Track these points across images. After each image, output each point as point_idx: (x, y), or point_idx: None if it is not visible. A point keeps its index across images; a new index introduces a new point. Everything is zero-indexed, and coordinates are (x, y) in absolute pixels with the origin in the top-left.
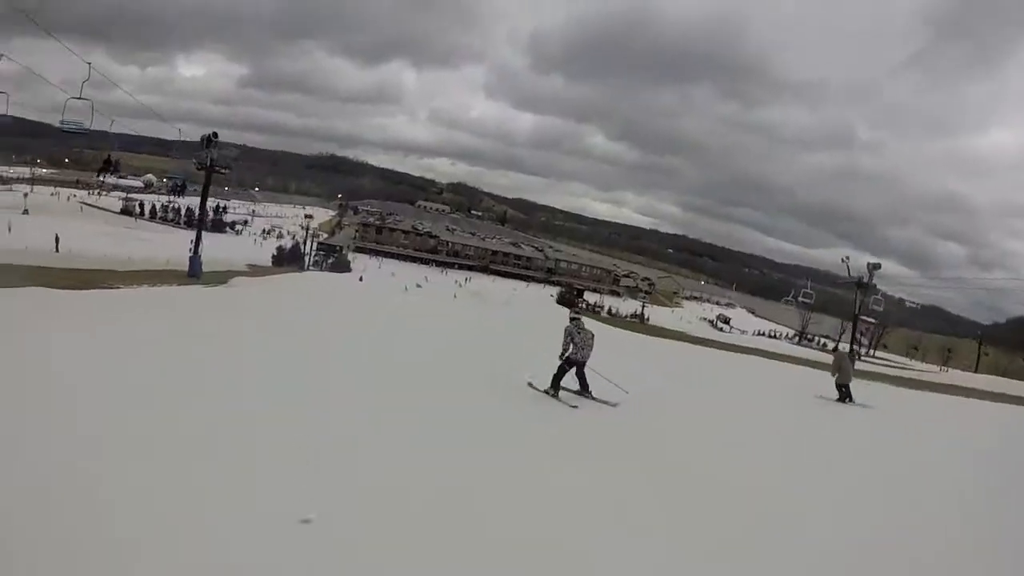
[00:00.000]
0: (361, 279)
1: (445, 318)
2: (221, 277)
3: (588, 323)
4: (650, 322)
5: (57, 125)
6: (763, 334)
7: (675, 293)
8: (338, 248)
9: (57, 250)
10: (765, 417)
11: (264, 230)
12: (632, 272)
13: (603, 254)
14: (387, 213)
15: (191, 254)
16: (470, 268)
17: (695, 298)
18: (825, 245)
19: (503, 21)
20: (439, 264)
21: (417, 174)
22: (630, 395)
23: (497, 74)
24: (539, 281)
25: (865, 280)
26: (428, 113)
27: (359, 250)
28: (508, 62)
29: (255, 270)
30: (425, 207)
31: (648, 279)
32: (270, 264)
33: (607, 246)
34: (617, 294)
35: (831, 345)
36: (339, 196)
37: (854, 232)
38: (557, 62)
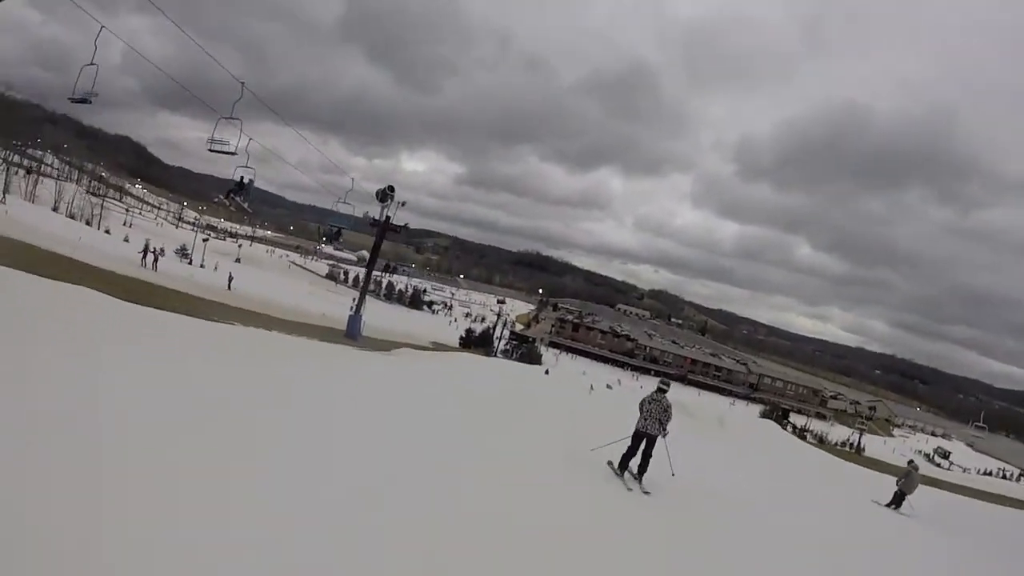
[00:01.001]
0: (547, 372)
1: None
2: (386, 345)
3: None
4: (865, 452)
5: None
6: (989, 473)
7: (887, 420)
8: (531, 339)
9: (229, 288)
10: None
11: (466, 314)
12: (839, 394)
13: (806, 372)
14: (586, 313)
15: (351, 312)
16: (667, 375)
17: (909, 426)
18: None
19: (710, 130)
20: (634, 368)
21: (619, 278)
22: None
23: (703, 182)
24: (740, 396)
25: None
26: (634, 219)
27: (553, 345)
28: (714, 170)
29: (437, 347)
30: (625, 311)
31: (858, 402)
32: (457, 345)
33: (810, 364)
34: (823, 416)
35: None
36: (540, 291)
37: None
38: (764, 170)
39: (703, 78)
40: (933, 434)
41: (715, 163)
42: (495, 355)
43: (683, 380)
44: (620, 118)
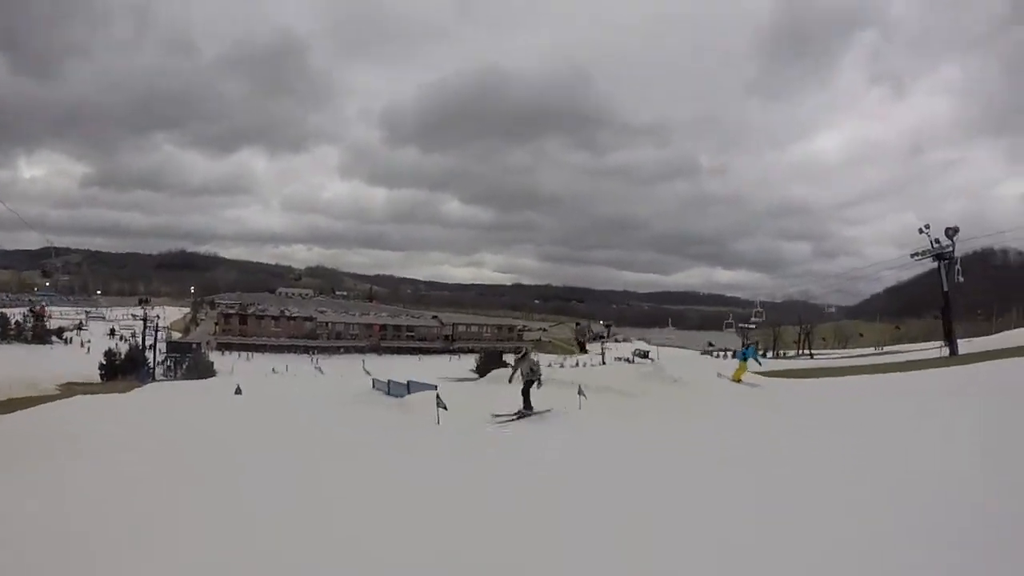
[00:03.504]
0: (239, 391)
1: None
2: None
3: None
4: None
5: None
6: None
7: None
8: (194, 346)
9: None
10: None
11: (111, 331)
12: (526, 326)
13: (481, 314)
14: (248, 303)
15: None
16: (360, 350)
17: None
18: (681, 269)
19: (357, 99)
20: (323, 350)
21: (273, 263)
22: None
23: (351, 153)
24: (440, 352)
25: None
26: (281, 200)
27: (223, 346)
28: (362, 139)
29: (67, 389)
30: (287, 293)
31: (543, 328)
32: (99, 379)
33: (477, 307)
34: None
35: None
36: (192, 291)
37: (707, 252)
38: (411, 134)
39: (351, 47)
40: (616, 340)
41: (362, 132)
42: (149, 379)
43: (377, 350)
44: (264, 95)
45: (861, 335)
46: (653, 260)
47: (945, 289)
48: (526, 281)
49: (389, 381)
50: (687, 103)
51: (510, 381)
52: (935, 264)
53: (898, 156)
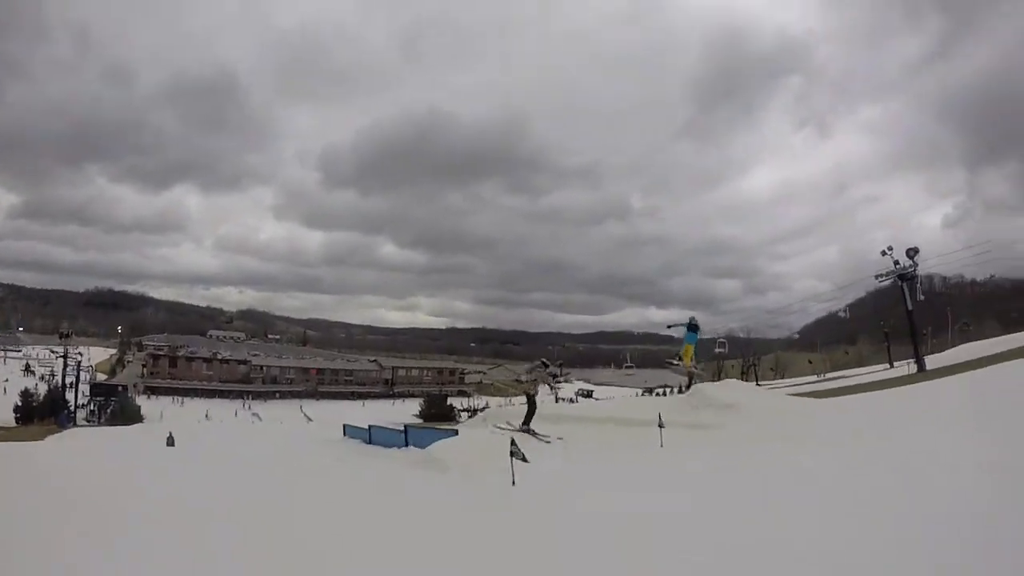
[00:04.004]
0: (171, 441)
1: None
2: None
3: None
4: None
5: None
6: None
7: (517, 380)
8: (120, 388)
9: None
10: None
11: (26, 368)
12: (464, 370)
13: (417, 358)
14: (177, 345)
15: None
16: (296, 395)
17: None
18: (615, 309)
19: (295, 140)
20: (257, 395)
21: (204, 304)
22: None
23: (286, 194)
24: (380, 396)
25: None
26: (214, 240)
27: (150, 390)
28: (298, 181)
29: None
30: (218, 336)
31: (482, 371)
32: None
33: (411, 351)
34: (466, 393)
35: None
36: (119, 331)
37: (640, 292)
38: (348, 177)
39: (292, 87)
40: (567, 381)
41: (299, 173)
42: (70, 424)
43: (314, 395)
44: (200, 130)
45: (810, 362)
46: (587, 301)
47: (910, 308)
48: (461, 324)
49: (371, 427)
50: (619, 147)
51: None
52: (899, 284)
53: (823, 193)
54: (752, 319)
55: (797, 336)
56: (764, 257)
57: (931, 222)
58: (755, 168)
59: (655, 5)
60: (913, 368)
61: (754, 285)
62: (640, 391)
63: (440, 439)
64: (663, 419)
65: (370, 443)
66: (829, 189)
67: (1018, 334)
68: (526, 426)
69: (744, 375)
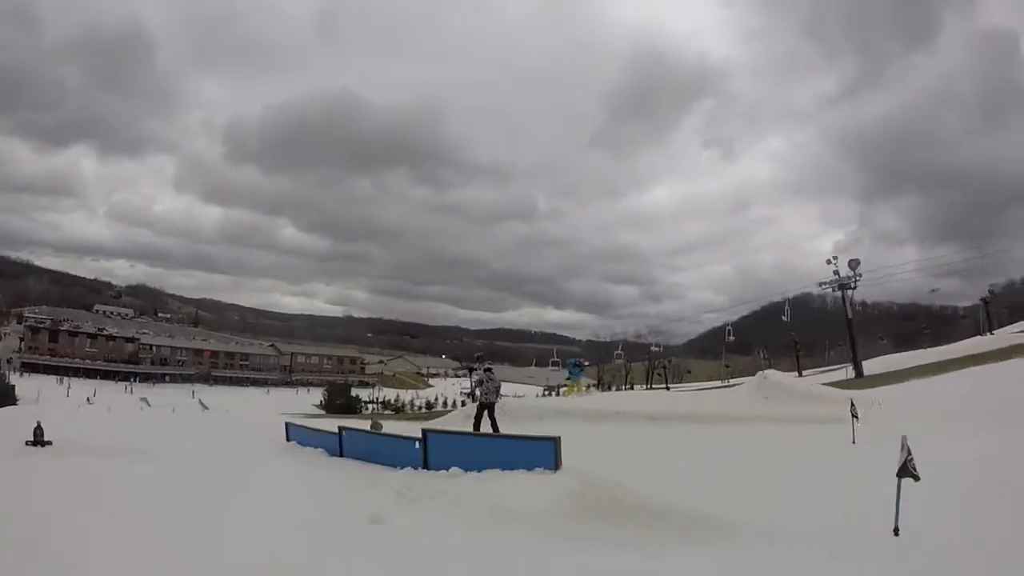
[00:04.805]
0: (38, 437)
1: None
2: None
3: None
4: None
5: None
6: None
7: (419, 374)
8: None
9: None
10: None
11: None
12: (364, 359)
13: (314, 344)
14: (60, 319)
15: None
16: (188, 378)
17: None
18: (514, 307)
19: (200, 110)
20: (146, 377)
21: (91, 277)
22: None
23: (188, 165)
24: (278, 384)
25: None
26: (108, 208)
27: (28, 367)
28: (201, 153)
29: None
30: (104, 311)
31: (383, 361)
32: None
33: (308, 339)
34: (367, 384)
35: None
36: None
37: (539, 291)
38: (252, 153)
39: (204, 55)
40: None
41: (202, 145)
42: None
43: (207, 380)
44: (105, 89)
45: (727, 366)
46: (487, 298)
47: (849, 316)
48: (357, 313)
49: (343, 430)
50: (530, 150)
51: (477, 423)
52: (838, 293)
53: (722, 211)
54: (648, 325)
55: (685, 345)
56: (662, 268)
57: (823, 248)
58: (660, 182)
59: (581, 18)
60: (851, 373)
61: (651, 293)
62: (543, 390)
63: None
64: (855, 411)
65: (341, 455)
66: (728, 208)
67: (916, 352)
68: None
69: (648, 377)
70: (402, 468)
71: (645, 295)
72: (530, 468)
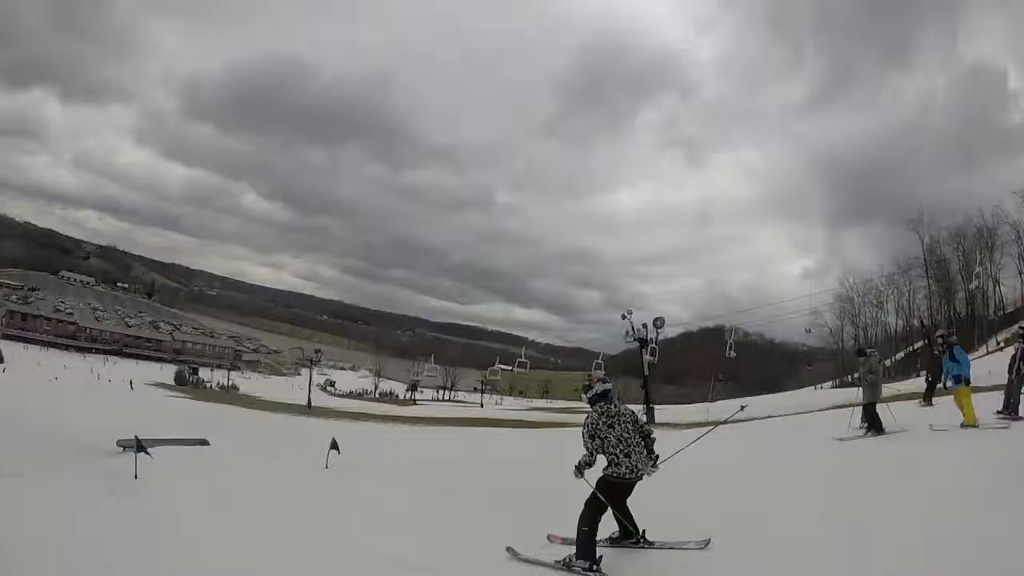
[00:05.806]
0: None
1: None
2: None
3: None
4: (255, 393)
5: None
6: (365, 393)
7: (297, 363)
8: None
9: None
10: None
11: None
12: (261, 345)
13: (247, 326)
14: (29, 287)
15: None
16: (109, 352)
17: (335, 366)
18: (481, 300)
19: (158, 59)
20: (80, 350)
21: (62, 230)
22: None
23: (147, 117)
24: (166, 361)
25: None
26: (74, 156)
27: (8, 338)
28: (158, 105)
29: None
30: (69, 279)
31: (277, 350)
32: None
33: (261, 315)
34: (237, 368)
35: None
36: None
37: (505, 287)
38: (208, 110)
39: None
40: (343, 368)
41: (160, 97)
42: None
43: (120, 353)
44: (62, 28)
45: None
46: (452, 288)
47: (645, 373)
48: (322, 293)
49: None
50: (484, 132)
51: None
52: (635, 344)
53: (689, 224)
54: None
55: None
56: (626, 276)
57: (791, 271)
58: (619, 183)
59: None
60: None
61: (616, 300)
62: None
63: None
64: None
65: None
66: (694, 221)
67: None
68: (584, 561)
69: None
70: None
71: (609, 302)
72: None
